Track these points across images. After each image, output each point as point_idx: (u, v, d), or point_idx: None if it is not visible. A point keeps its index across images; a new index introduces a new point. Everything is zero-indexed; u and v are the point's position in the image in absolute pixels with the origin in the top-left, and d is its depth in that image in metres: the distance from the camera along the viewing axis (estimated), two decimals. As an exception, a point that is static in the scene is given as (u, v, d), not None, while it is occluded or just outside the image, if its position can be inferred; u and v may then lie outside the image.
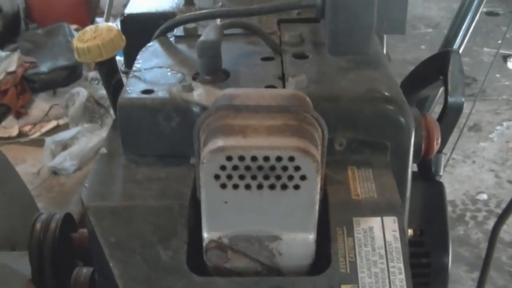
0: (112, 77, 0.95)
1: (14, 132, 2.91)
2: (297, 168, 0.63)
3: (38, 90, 3.09)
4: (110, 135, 0.88)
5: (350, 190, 0.74)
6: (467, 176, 2.38)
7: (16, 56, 3.22)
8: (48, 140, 2.66)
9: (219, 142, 0.63)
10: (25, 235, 0.90)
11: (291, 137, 0.63)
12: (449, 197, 2.25)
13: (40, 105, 3.03)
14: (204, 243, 0.69)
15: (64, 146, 2.63)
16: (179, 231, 0.71)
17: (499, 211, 2.19)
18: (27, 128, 2.93)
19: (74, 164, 2.54)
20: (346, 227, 0.70)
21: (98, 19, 3.64)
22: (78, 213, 2.20)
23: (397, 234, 0.69)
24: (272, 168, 0.63)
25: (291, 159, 0.62)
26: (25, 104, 3.01)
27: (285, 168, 0.63)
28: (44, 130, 2.91)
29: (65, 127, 2.86)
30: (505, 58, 3.20)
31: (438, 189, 0.99)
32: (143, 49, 0.95)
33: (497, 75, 3.03)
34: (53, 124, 2.94)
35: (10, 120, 2.96)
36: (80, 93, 2.86)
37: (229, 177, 0.63)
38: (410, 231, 0.95)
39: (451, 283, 1.01)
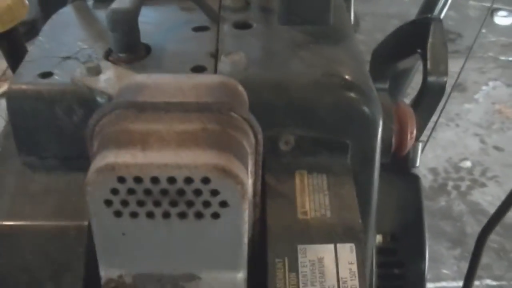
0: (15, 52, 0.79)
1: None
2: (214, 192, 0.46)
3: None
4: (6, 129, 0.71)
5: (296, 206, 0.58)
6: (450, 141, 2.24)
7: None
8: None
9: (109, 157, 0.46)
10: None
11: (207, 149, 0.46)
12: (430, 165, 2.13)
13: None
14: (102, 282, 0.53)
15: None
16: (75, 264, 0.56)
17: (484, 180, 2.07)
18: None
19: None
20: (288, 259, 0.54)
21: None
22: None
23: (355, 268, 0.54)
24: (181, 192, 0.46)
25: (206, 180, 0.46)
26: None
27: (198, 192, 0.46)
28: (1, 90, 2.75)
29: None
30: (492, 12, 3.04)
31: (413, 185, 0.83)
32: (53, 16, 0.77)
33: (483, 31, 2.87)
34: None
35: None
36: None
37: (124, 203, 0.47)
38: (379, 237, 0.80)
39: (431, 261, 0.88)
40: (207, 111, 0.50)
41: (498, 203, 0.88)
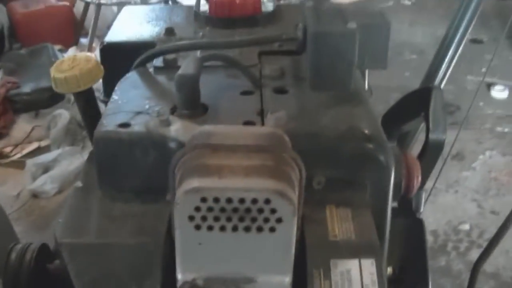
0: (89, 108, 0.94)
1: (-5, 153, 2.88)
2: (273, 211, 0.61)
3: (20, 111, 3.07)
4: (86, 168, 0.87)
5: (328, 230, 0.73)
6: (449, 205, 2.38)
7: (-1, 75, 3.21)
8: (29, 162, 2.64)
9: (194, 182, 0.61)
10: (-1, 265, 0.89)
11: (267, 178, 0.62)
12: (431, 227, 2.27)
13: (22, 126, 3.01)
14: (178, 285, 0.67)
15: (45, 168, 2.61)
16: (154, 271, 0.70)
17: (481, 241, 2.19)
18: (8, 149, 2.90)
19: (54, 187, 2.52)
20: (323, 269, 0.68)
21: (82, 40, 3.63)
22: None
23: (375, 277, 0.68)
24: (248, 210, 0.61)
25: (267, 201, 0.61)
26: (6, 124, 2.98)
27: (260, 211, 0.61)
28: (25, 151, 2.88)
29: (47, 149, 2.84)
30: (488, 86, 3.21)
31: (418, 227, 0.98)
32: (122, 79, 0.93)
33: (481, 103, 3.04)
34: (34, 145, 2.91)
35: (-9, 141, 2.93)
36: (62, 115, 2.84)
37: (204, 218, 0.62)
38: (389, 269, 0.94)
39: None
40: (264, 152, 0.65)
41: (494, 262, 1.02)
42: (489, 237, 2.20)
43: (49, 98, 3.04)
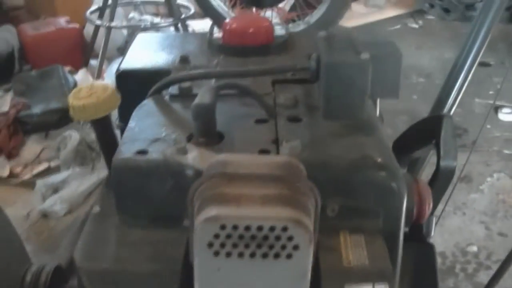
0: (106, 134, 0.96)
1: (5, 173, 2.89)
2: (290, 238, 0.63)
3: (30, 132, 3.09)
4: (102, 193, 0.88)
5: (342, 256, 0.75)
6: (457, 227, 2.39)
7: (9, 96, 3.23)
8: (39, 182, 2.66)
9: (213, 211, 0.63)
10: (12, 285, 0.90)
11: (284, 207, 0.64)
12: (439, 249, 2.27)
13: (32, 146, 3.03)
14: (196, 309, 0.69)
15: (55, 189, 2.63)
16: None
17: (489, 263, 2.20)
18: (18, 170, 2.91)
19: (64, 208, 2.53)
20: None
21: (92, 62, 3.66)
22: (68, 258, 2.18)
23: None
24: (265, 237, 0.63)
25: (285, 229, 0.63)
26: (17, 145, 3.00)
27: (278, 238, 0.63)
28: (35, 172, 2.90)
29: (57, 169, 2.86)
30: (496, 109, 3.23)
31: (429, 252, 0.99)
32: (138, 107, 0.95)
33: (488, 126, 3.05)
34: (44, 166, 2.93)
35: (1, 161, 2.95)
36: (72, 136, 2.86)
37: (222, 245, 0.64)
38: (401, 294, 0.96)
39: None
40: (280, 181, 0.67)
41: (503, 284, 1.03)
42: (497, 259, 2.22)
43: (59, 120, 3.06)
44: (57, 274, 0.91)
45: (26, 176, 2.88)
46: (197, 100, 0.84)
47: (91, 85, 0.94)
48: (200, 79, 0.98)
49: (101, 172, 2.60)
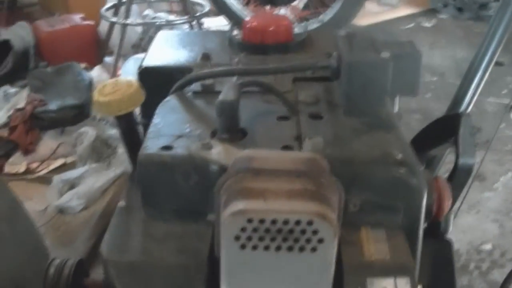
0: (130, 130, 0.98)
1: (22, 168, 2.92)
2: (315, 232, 0.65)
3: (46, 128, 3.11)
4: (128, 188, 0.90)
5: (364, 250, 0.76)
6: (471, 226, 2.39)
7: (25, 93, 3.26)
8: (56, 178, 2.68)
9: (240, 205, 0.65)
10: (32, 276, 0.92)
11: (310, 201, 0.65)
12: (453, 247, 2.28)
13: (48, 142, 3.05)
14: (222, 300, 0.71)
15: (71, 185, 2.65)
16: None
17: (503, 261, 2.21)
18: (34, 165, 2.94)
19: (80, 204, 2.55)
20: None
21: (107, 59, 3.69)
22: (85, 253, 2.21)
23: None
24: (291, 231, 0.65)
25: (310, 223, 0.64)
26: (33, 141, 3.03)
27: (303, 231, 0.65)
28: (51, 167, 2.92)
29: (72, 165, 2.88)
30: (510, 108, 3.23)
31: (447, 248, 1.01)
32: (161, 104, 0.97)
33: (502, 125, 3.06)
34: (60, 162, 2.95)
35: (17, 156, 2.97)
36: (88, 132, 2.88)
37: (249, 238, 0.66)
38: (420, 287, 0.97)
39: None
40: (305, 176, 0.69)
41: None
42: (511, 257, 2.24)
43: (75, 116, 3.08)
44: (79, 268, 0.93)
45: (43, 172, 2.91)
46: (221, 97, 0.86)
47: (115, 81, 0.96)
48: (222, 77, 1.00)
49: (117, 168, 2.62)
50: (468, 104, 1.38)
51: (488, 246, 2.29)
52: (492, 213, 2.47)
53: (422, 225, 0.83)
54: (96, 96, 0.94)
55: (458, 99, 1.39)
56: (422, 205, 0.82)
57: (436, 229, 1.01)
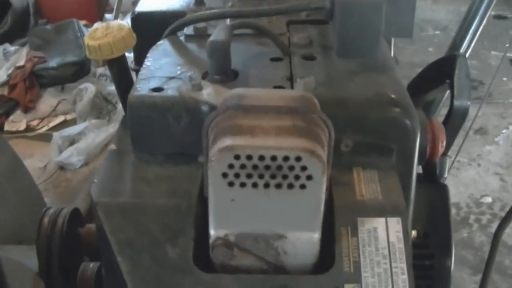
0: (122, 75, 0.96)
1: (22, 126, 2.92)
2: (303, 168, 0.64)
3: (46, 85, 3.11)
4: (119, 132, 0.89)
5: (355, 191, 0.75)
6: (472, 179, 2.39)
7: (25, 51, 3.24)
8: (56, 135, 2.68)
9: (228, 141, 0.64)
10: (32, 230, 0.92)
11: (298, 138, 0.64)
12: (453, 200, 2.28)
13: (48, 100, 3.05)
14: (211, 240, 0.70)
15: (72, 141, 2.65)
16: (187, 229, 0.72)
17: (503, 214, 2.20)
18: (34, 123, 2.94)
19: (81, 160, 2.56)
20: (350, 227, 0.71)
21: (107, 16, 3.66)
22: (85, 209, 2.21)
23: (401, 235, 0.70)
24: (279, 167, 0.64)
25: (298, 159, 0.63)
26: (33, 98, 3.02)
27: (291, 168, 0.64)
28: (51, 124, 2.92)
29: (73, 122, 2.88)
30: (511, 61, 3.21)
31: (442, 192, 1.00)
32: (153, 47, 0.96)
33: (504, 79, 3.04)
34: (60, 119, 2.95)
35: (18, 114, 2.98)
36: (88, 89, 2.87)
37: (237, 175, 0.65)
38: (414, 233, 0.96)
39: (454, 286, 1.02)
40: (295, 113, 0.67)
41: None
42: (512, 210, 2.23)
43: (75, 73, 3.07)
44: (74, 217, 0.92)
45: (43, 129, 2.91)
46: (212, 37, 0.84)
47: (106, 25, 0.94)
48: (215, 19, 0.98)
49: (117, 124, 2.61)
50: (467, 47, 1.36)
51: (488, 199, 2.29)
52: (493, 166, 2.46)
53: (416, 167, 0.82)
54: (87, 40, 0.93)
55: (455, 44, 1.37)
56: (416, 145, 0.80)
57: (432, 174, 1.00)
